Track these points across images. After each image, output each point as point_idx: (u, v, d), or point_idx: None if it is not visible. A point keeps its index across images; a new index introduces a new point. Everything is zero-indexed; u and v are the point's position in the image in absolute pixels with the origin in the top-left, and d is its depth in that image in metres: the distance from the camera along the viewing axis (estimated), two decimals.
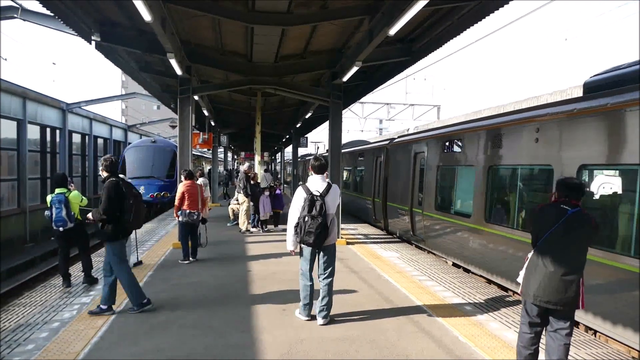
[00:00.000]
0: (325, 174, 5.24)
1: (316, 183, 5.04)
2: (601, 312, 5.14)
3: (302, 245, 5.02)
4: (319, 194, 4.90)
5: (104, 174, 5.30)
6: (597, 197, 5.64)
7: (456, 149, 9.05)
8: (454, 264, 8.98)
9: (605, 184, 5.54)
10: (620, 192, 5.37)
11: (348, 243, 10.38)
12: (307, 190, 4.95)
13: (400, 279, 7.17)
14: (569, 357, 3.69)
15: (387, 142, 13.99)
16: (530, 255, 3.78)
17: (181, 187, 8.16)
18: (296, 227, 4.91)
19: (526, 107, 8.59)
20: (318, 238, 4.82)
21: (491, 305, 6.01)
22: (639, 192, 4.85)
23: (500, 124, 7.60)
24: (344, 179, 17.32)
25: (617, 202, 5.44)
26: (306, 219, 4.82)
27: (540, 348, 3.81)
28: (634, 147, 4.83)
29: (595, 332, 5.50)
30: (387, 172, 13.21)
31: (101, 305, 5.30)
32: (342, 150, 12.35)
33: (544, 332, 3.79)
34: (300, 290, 5.17)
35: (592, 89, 6.14)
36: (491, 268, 7.51)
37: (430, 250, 10.18)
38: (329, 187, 5.01)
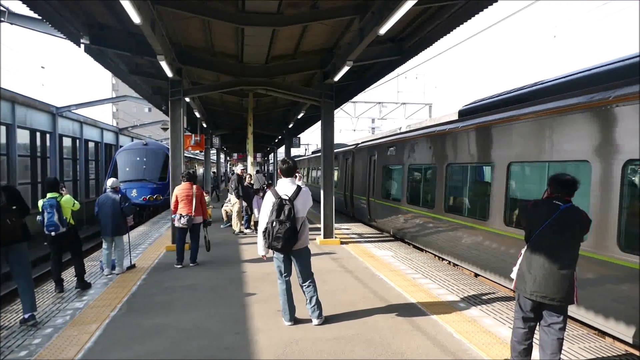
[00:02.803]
0: (296, 177, 5.08)
1: (285, 187, 4.91)
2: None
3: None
4: (287, 198, 4.79)
5: None
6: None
7: (391, 153, 12.29)
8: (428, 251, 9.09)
9: (454, 177, 8.94)
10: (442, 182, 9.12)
11: (342, 242, 10.39)
12: (276, 194, 4.84)
13: (394, 278, 7.19)
14: (563, 351, 3.72)
15: (353, 147, 16.75)
16: (523, 250, 3.81)
17: (175, 190, 8.09)
18: (264, 232, 4.81)
19: (429, 125, 12.16)
20: (287, 243, 4.71)
21: (485, 301, 6.04)
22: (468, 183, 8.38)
23: (413, 137, 10.99)
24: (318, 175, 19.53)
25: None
26: (274, 224, 4.70)
27: (534, 343, 3.84)
28: (483, 154, 7.70)
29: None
30: (353, 170, 16.17)
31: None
32: (318, 155, 15.03)
33: (537, 327, 3.82)
34: (279, 295, 5.13)
35: (461, 114, 9.65)
36: (412, 236, 10.81)
37: (379, 227, 13.25)
38: (298, 190, 4.88)
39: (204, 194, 8.70)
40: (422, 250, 10.21)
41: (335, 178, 18.27)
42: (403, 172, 11.27)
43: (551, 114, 6.03)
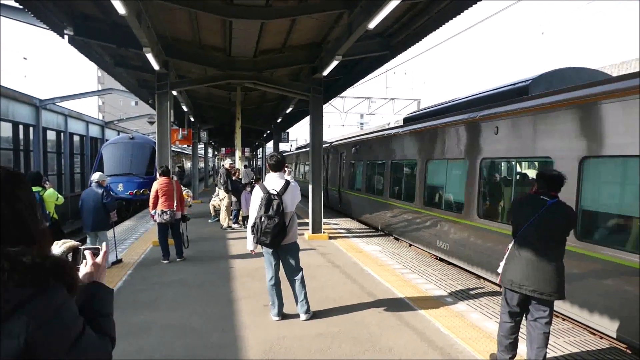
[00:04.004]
0: (285, 171, 5.04)
1: (273, 181, 4.88)
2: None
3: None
4: (276, 193, 4.76)
5: None
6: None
7: (355, 151, 14.51)
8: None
9: (396, 171, 11.18)
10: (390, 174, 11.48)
11: (330, 237, 10.38)
12: (264, 189, 4.80)
13: (382, 273, 7.20)
14: (548, 345, 3.75)
15: (328, 145, 18.61)
16: (510, 245, 3.83)
17: (155, 185, 7.93)
18: (253, 227, 4.77)
19: (383, 128, 15.59)
20: (275, 238, 4.69)
21: (472, 296, 6.09)
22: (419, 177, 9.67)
23: (370, 138, 13.42)
24: (306, 171, 21.22)
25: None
26: (262, 219, 4.68)
27: (520, 337, 3.87)
28: (414, 151, 9.92)
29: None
30: (327, 166, 18.21)
31: None
32: (303, 150, 17.72)
33: (523, 322, 3.85)
34: (268, 290, 5.10)
35: (405, 120, 11.65)
36: (369, 217, 12.95)
37: (346, 214, 15.43)
38: (286, 185, 4.86)
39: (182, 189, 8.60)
40: (376, 228, 12.36)
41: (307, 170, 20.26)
42: (363, 167, 13.71)
43: (446, 126, 8.50)
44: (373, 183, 12.77)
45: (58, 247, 1.46)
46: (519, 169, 6.91)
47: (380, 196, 11.88)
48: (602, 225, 5.31)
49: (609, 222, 5.20)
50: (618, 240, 4.87)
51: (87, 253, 1.49)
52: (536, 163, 6.49)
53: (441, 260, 8.64)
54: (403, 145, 10.64)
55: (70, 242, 1.48)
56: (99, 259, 1.50)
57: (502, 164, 7.21)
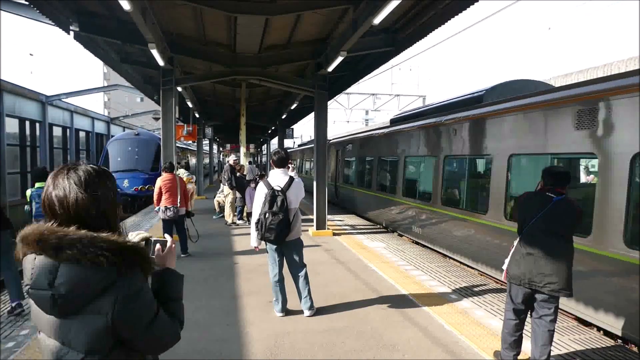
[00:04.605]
0: (288, 167, 5.06)
1: (277, 177, 4.88)
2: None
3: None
4: (280, 189, 4.76)
5: None
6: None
7: (348, 149, 16.11)
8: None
9: (383, 166, 12.65)
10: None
11: (335, 234, 10.39)
12: (268, 185, 4.80)
13: (386, 269, 7.20)
14: (553, 343, 3.74)
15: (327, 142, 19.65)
16: (516, 242, 3.81)
17: (158, 182, 7.95)
18: (257, 223, 4.77)
19: (372, 128, 18.00)
20: (280, 235, 4.69)
21: (476, 293, 6.07)
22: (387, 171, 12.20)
23: (361, 137, 15.02)
24: (309, 167, 22.84)
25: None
26: (267, 215, 4.68)
27: (525, 335, 3.86)
28: (395, 149, 11.40)
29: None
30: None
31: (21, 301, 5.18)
32: (305, 147, 20.16)
33: (528, 319, 3.83)
34: (271, 286, 5.11)
35: (391, 121, 13.13)
36: (361, 209, 14.40)
37: (343, 206, 16.77)
38: (290, 181, 4.85)
39: (187, 184, 8.62)
40: (364, 218, 13.89)
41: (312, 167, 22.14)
42: (356, 163, 15.24)
43: (420, 128, 10.03)
44: (364, 177, 14.14)
45: (133, 237, 1.59)
46: (471, 165, 8.20)
47: (369, 189, 13.34)
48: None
49: None
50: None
51: (158, 242, 1.63)
52: (483, 159, 7.75)
53: (416, 243, 10.20)
54: (388, 144, 12.12)
55: (144, 233, 1.60)
56: (168, 247, 1.63)
57: (460, 160, 8.46)
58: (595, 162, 5.21)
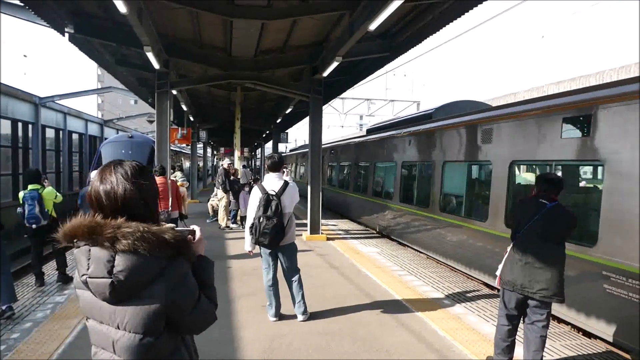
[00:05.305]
0: (282, 172, 5.06)
1: (272, 182, 4.88)
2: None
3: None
4: (274, 194, 4.77)
5: None
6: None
7: (332, 154, 17.95)
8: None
9: (359, 171, 14.40)
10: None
11: (329, 239, 10.39)
12: (263, 190, 4.80)
13: (380, 274, 7.21)
14: (545, 348, 3.76)
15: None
16: (509, 248, 3.84)
17: None
18: (251, 227, 4.77)
19: (351, 137, 20.64)
20: (274, 239, 4.70)
21: (469, 299, 6.09)
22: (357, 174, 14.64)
23: (341, 145, 17.24)
24: (302, 171, 24.19)
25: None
26: (261, 219, 4.68)
27: (517, 340, 3.88)
28: (367, 156, 13.35)
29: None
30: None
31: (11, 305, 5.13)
32: (297, 152, 22.46)
33: (521, 325, 3.86)
34: (265, 290, 5.10)
35: (367, 131, 15.06)
36: (342, 208, 16.09)
37: (328, 207, 17.30)
38: (285, 185, 4.86)
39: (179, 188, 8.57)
40: (342, 215, 15.82)
41: (302, 171, 23.37)
42: (337, 168, 17.34)
43: (385, 138, 11.96)
44: (344, 180, 16.37)
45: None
46: (420, 170, 9.93)
47: (347, 190, 15.50)
48: (449, 199, 8.81)
49: (455, 200, 8.65)
50: (453, 209, 8.50)
51: (187, 232, 1.70)
52: (426, 165, 9.50)
53: (381, 234, 11.92)
54: (362, 151, 14.07)
55: (169, 224, 1.64)
56: (198, 236, 1.74)
57: (411, 166, 10.39)
58: (491, 167, 7.10)
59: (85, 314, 1.58)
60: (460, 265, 7.83)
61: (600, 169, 5.32)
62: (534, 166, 6.88)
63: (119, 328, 1.47)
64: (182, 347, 1.61)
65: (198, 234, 1.73)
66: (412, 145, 10.06)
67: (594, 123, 5.07)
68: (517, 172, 6.91)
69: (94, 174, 6.17)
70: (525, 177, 7.39)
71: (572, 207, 5.36)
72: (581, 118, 5.31)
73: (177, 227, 1.68)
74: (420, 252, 9.55)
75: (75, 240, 1.49)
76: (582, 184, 6.26)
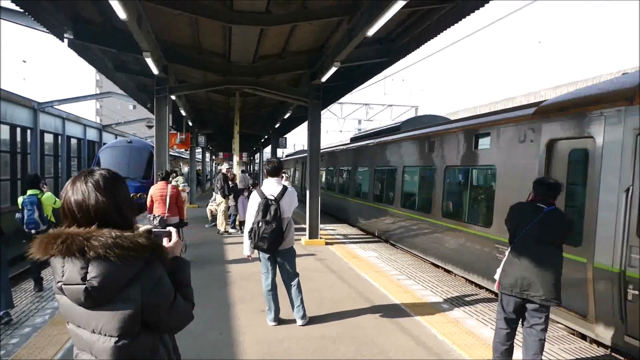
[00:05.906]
0: (281, 177, 5.09)
1: (271, 186, 4.89)
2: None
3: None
4: (273, 198, 4.78)
5: None
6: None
7: (322, 160, 17.38)
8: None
9: (343, 175, 16.73)
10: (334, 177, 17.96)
11: (327, 243, 10.39)
12: (262, 195, 4.82)
13: (379, 279, 7.21)
14: (543, 352, 3.77)
15: (306, 154, 21.97)
16: (507, 252, 3.86)
17: (150, 190, 7.89)
18: (250, 232, 4.78)
19: (337, 144, 21.59)
20: (273, 244, 4.71)
21: (468, 303, 6.10)
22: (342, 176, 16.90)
23: (329, 151, 18.78)
24: (297, 176, 25.51)
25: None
26: (260, 224, 4.69)
27: (516, 344, 3.89)
28: (349, 162, 15.63)
29: None
30: (305, 171, 23.02)
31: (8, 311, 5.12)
32: (293, 157, 24.33)
33: (519, 329, 3.87)
34: (264, 295, 5.11)
35: (352, 139, 16.89)
36: (333, 208, 17.47)
37: (324, 210, 17.55)
38: (284, 190, 4.87)
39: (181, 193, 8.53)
40: (331, 215, 17.44)
41: (298, 175, 24.60)
42: (326, 172, 19.20)
43: (362, 147, 13.92)
44: (330, 183, 18.50)
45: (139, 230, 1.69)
46: (388, 174, 11.57)
47: (333, 192, 17.52)
48: (407, 197, 10.56)
49: (415, 197, 10.20)
50: (411, 205, 10.24)
51: (163, 234, 1.76)
52: (391, 170, 11.29)
53: (362, 230, 13.63)
54: (344, 158, 16.11)
55: (146, 226, 1.71)
56: (174, 238, 1.76)
57: (383, 171, 11.96)
58: (435, 170, 8.87)
59: (65, 318, 1.62)
60: (413, 249, 9.87)
61: (494, 170, 7.02)
62: (461, 170, 8.33)
63: (94, 332, 1.50)
64: (160, 347, 1.64)
65: (174, 237, 1.76)
66: (383, 153, 11.99)
67: (492, 139, 7.04)
68: (450, 174, 8.64)
69: None
70: (457, 177, 8.74)
71: (481, 201, 7.78)
72: (486, 135, 7.23)
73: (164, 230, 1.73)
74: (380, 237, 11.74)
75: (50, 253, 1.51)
76: (490, 182, 7.51)
